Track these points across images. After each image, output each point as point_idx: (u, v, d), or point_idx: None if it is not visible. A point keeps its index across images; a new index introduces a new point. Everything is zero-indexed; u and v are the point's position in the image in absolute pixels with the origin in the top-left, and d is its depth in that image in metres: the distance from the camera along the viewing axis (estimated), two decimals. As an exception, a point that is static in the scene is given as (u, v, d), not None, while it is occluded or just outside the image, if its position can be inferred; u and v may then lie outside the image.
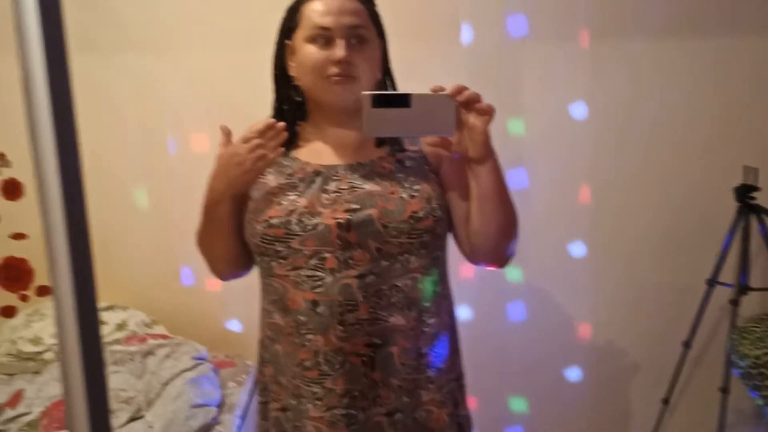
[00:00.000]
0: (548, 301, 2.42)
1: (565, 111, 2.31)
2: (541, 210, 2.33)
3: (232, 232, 1.26)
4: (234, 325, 2.49)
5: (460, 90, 1.09)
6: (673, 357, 2.28)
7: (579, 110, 2.30)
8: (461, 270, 2.32)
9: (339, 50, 1.17)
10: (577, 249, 2.39)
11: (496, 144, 1.16)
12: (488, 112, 1.10)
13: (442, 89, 1.10)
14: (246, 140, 1.16)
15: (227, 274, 1.34)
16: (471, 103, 1.10)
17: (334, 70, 1.18)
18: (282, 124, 1.17)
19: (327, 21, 1.18)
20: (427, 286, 1.22)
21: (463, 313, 2.38)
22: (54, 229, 0.62)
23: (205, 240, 1.30)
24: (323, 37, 1.19)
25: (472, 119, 1.11)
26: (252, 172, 1.17)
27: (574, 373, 2.46)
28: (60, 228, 0.62)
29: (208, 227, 1.27)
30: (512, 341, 2.44)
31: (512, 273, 2.41)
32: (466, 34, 2.26)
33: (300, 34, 1.22)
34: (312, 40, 1.20)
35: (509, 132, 2.31)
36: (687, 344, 2.25)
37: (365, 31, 1.21)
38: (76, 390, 0.63)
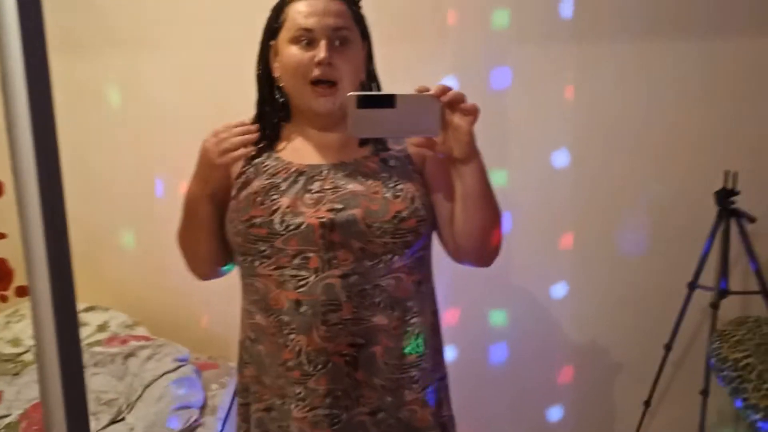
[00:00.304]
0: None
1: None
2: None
3: (212, 232, 1.25)
4: (216, 327, 2.48)
5: (445, 90, 1.10)
6: (654, 359, 2.30)
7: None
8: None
9: (321, 51, 1.17)
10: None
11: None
12: (473, 112, 1.11)
13: (426, 90, 1.10)
14: (215, 134, 1.17)
15: (206, 274, 1.34)
16: (455, 104, 1.10)
17: (316, 71, 1.18)
18: (254, 126, 1.17)
19: (310, 22, 1.19)
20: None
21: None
22: (32, 228, 0.61)
23: (185, 238, 1.30)
24: (306, 38, 1.19)
25: (457, 119, 1.11)
26: (217, 167, 1.18)
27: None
28: (38, 227, 0.61)
29: (187, 225, 1.27)
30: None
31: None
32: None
33: (283, 35, 1.22)
34: (295, 41, 1.20)
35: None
36: (668, 347, 2.26)
37: (348, 32, 1.22)
38: (53, 392, 0.63)
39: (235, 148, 1.15)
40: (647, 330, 2.38)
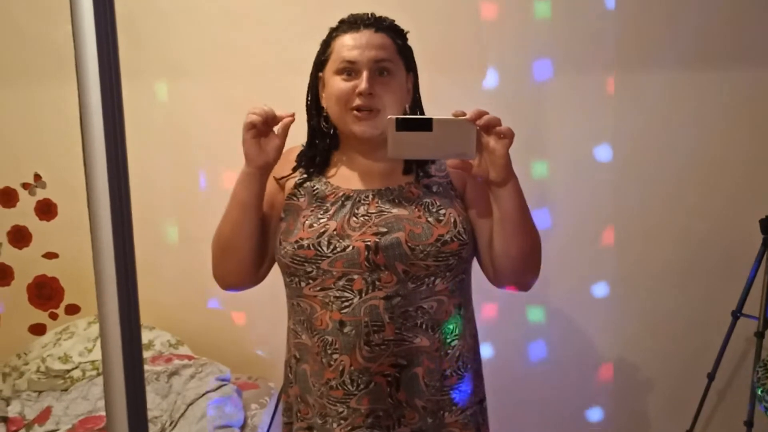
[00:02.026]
0: (570, 340, 2.42)
1: (590, 153, 2.33)
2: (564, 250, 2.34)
3: (252, 231, 1.27)
4: (256, 347, 2.52)
5: (480, 114, 1.13)
6: (697, 389, 2.26)
7: (603, 152, 2.32)
8: (483, 310, 2.33)
9: (362, 83, 1.22)
10: (600, 289, 2.39)
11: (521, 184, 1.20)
12: (508, 136, 1.14)
13: (463, 114, 1.14)
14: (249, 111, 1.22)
15: (230, 280, 1.33)
16: (491, 127, 1.14)
17: (357, 101, 1.23)
18: (286, 115, 1.22)
19: (353, 55, 1.24)
20: (450, 326, 1.25)
21: (484, 351, 2.40)
22: (103, 250, 0.65)
23: (222, 232, 1.30)
24: (349, 69, 1.25)
25: (492, 142, 1.14)
26: (245, 142, 1.21)
27: (595, 413, 2.45)
28: (109, 248, 0.65)
29: (227, 215, 1.28)
30: (533, 380, 2.44)
31: (534, 313, 2.42)
32: (491, 78, 2.31)
33: (329, 67, 1.28)
34: (339, 72, 1.26)
35: (533, 175, 2.33)
36: (711, 376, 2.23)
37: (391, 64, 1.26)
38: (118, 404, 0.66)
39: (261, 123, 1.20)
40: (690, 359, 2.34)
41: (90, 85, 0.62)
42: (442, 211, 1.23)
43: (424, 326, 1.21)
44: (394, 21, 1.31)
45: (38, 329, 2.58)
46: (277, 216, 1.31)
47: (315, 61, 1.33)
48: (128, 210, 0.67)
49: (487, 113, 1.13)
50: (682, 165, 2.29)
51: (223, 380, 2.15)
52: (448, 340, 1.25)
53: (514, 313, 2.39)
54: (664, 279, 2.35)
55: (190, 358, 2.29)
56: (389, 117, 1.14)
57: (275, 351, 2.44)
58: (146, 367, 2.16)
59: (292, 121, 1.23)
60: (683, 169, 2.29)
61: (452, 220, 1.23)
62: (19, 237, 2.57)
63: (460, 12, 2.30)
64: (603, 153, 2.32)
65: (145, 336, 2.37)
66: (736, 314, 2.17)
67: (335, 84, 1.26)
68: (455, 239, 1.21)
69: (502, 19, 2.29)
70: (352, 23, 1.28)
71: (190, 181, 2.48)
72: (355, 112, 1.24)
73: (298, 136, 1.33)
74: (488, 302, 2.38)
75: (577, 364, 2.43)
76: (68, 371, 2.24)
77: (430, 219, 1.22)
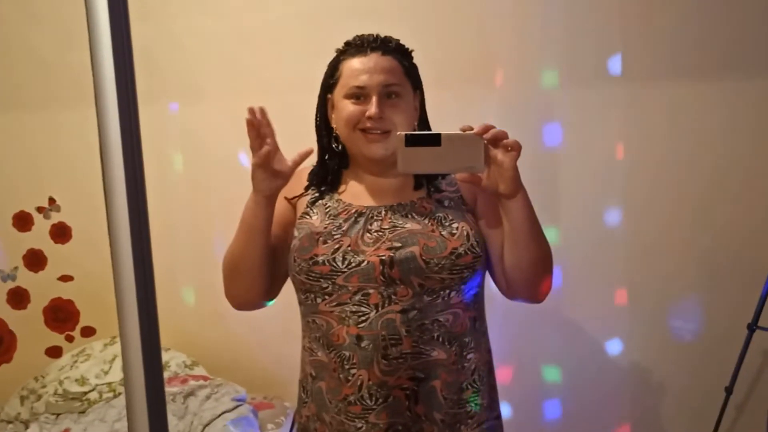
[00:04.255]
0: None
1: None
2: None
3: (263, 251, 1.27)
4: (272, 367, 2.52)
5: (487, 129, 1.15)
6: (715, 403, 2.24)
7: (613, 216, 2.35)
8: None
9: (372, 107, 1.25)
10: (614, 346, 2.40)
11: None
12: (515, 148, 1.15)
13: (470, 128, 1.16)
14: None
15: (241, 300, 1.34)
16: (498, 140, 1.15)
17: (367, 124, 1.26)
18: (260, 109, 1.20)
19: (361, 80, 1.27)
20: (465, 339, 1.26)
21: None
22: (123, 272, 0.67)
23: (231, 254, 1.30)
24: (358, 94, 1.27)
25: (500, 155, 1.16)
26: (255, 175, 1.21)
27: None
28: (128, 269, 0.66)
29: (239, 240, 1.28)
30: None
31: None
32: (498, 79, 2.33)
33: (338, 90, 1.31)
34: (348, 96, 1.28)
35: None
36: (729, 390, 2.21)
37: (399, 87, 1.29)
38: (140, 424, 0.67)
39: (264, 130, 1.19)
40: (707, 374, 2.32)
41: (108, 110, 0.64)
42: (455, 225, 1.25)
43: (440, 339, 1.23)
44: (399, 41, 1.34)
45: (55, 352, 2.59)
46: (289, 236, 1.32)
47: (323, 83, 1.35)
48: (147, 230, 0.68)
49: (494, 127, 1.15)
50: (692, 168, 2.29)
51: (239, 400, 2.16)
52: (465, 353, 1.25)
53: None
54: (681, 290, 2.33)
55: (205, 378, 2.30)
56: (398, 133, 1.17)
57: (290, 370, 2.44)
58: (162, 388, 2.17)
59: (308, 155, 1.23)
60: (692, 172, 2.29)
61: (465, 233, 1.24)
62: (35, 260, 2.59)
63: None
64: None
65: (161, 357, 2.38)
66: (752, 327, 2.15)
67: (345, 108, 1.28)
68: (469, 252, 1.22)
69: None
70: (359, 46, 1.30)
71: (205, 186, 2.50)
72: (365, 133, 1.27)
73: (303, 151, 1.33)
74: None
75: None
76: (85, 393, 2.25)
77: (443, 233, 1.23)
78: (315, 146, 1.35)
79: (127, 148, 0.66)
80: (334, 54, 1.35)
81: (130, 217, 0.67)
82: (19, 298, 2.61)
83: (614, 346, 2.39)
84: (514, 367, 2.40)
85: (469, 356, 1.26)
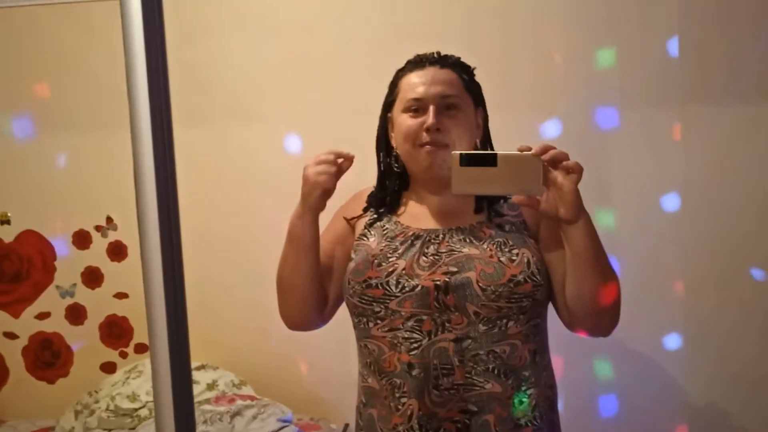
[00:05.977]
0: (642, 393, 2.32)
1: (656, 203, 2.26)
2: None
3: (313, 267, 1.26)
4: (318, 387, 2.50)
5: (546, 149, 1.10)
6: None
7: (671, 201, 2.25)
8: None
9: (429, 118, 1.22)
10: (672, 341, 2.30)
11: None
12: (576, 171, 1.10)
13: (528, 149, 1.11)
14: (317, 159, 1.21)
15: (295, 320, 1.33)
16: (558, 162, 1.10)
17: (425, 137, 1.22)
18: (351, 155, 1.21)
19: (419, 92, 1.24)
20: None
21: None
22: (153, 292, 0.66)
23: (282, 273, 1.30)
24: (416, 107, 1.24)
25: (560, 178, 1.10)
26: (314, 186, 1.20)
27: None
28: (159, 290, 0.66)
29: (288, 257, 1.28)
30: None
31: (600, 367, 2.34)
32: (555, 126, 2.28)
33: (397, 106, 1.29)
34: (406, 110, 1.26)
35: (599, 222, 2.27)
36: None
37: (457, 99, 1.25)
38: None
39: (332, 169, 1.19)
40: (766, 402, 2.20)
41: (143, 134, 0.64)
42: (515, 251, 1.19)
43: (496, 371, 1.16)
44: (459, 58, 1.31)
45: (109, 367, 2.64)
46: (346, 256, 1.30)
47: (384, 103, 1.34)
48: (179, 248, 0.67)
49: (554, 148, 1.10)
50: (752, 185, 2.19)
51: (285, 421, 2.14)
52: (523, 388, 1.19)
53: (581, 367, 2.31)
54: (743, 321, 2.22)
55: (252, 398, 2.29)
56: (453, 153, 1.12)
57: (337, 391, 2.42)
58: (209, 407, 2.18)
59: (349, 165, 1.22)
60: (755, 189, 2.19)
61: (525, 260, 1.18)
62: (93, 278, 2.65)
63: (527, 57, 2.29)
64: (671, 202, 2.25)
65: (209, 376, 2.39)
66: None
67: (403, 122, 1.26)
68: (529, 280, 1.17)
69: (566, 68, 2.27)
70: (417, 62, 1.29)
71: (257, 210, 2.51)
72: (424, 147, 1.23)
73: (353, 185, 1.33)
74: (554, 354, 2.30)
75: (651, 419, 2.31)
76: (136, 410, 2.28)
77: (502, 258, 1.18)
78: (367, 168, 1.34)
79: (160, 173, 0.65)
80: (393, 76, 1.34)
81: (161, 235, 0.66)
82: (76, 314, 2.67)
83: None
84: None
85: (528, 391, 1.19)
